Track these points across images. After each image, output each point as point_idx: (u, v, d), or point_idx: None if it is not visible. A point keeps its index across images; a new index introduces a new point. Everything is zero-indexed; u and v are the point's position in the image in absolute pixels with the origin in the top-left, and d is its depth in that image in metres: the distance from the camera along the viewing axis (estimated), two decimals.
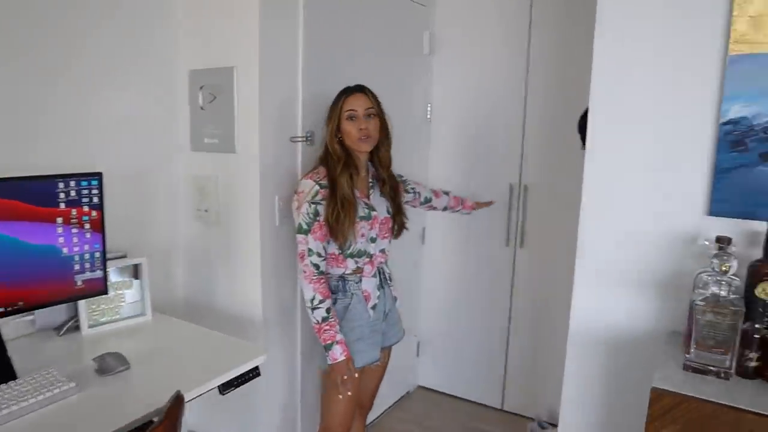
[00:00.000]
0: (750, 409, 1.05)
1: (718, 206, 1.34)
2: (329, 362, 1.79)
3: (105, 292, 1.63)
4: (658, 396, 1.12)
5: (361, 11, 2.34)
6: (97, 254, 1.60)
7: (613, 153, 1.47)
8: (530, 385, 2.86)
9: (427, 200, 2.23)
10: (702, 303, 1.16)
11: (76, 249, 1.55)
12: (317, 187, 1.79)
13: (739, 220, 1.32)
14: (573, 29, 2.54)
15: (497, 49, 2.73)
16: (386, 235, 1.95)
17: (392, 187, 1.98)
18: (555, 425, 2.59)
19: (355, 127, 1.82)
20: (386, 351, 2.05)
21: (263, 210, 1.97)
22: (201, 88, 2.03)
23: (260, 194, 1.95)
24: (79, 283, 1.57)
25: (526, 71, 2.66)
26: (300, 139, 2.08)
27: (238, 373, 1.55)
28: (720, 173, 1.33)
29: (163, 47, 2.03)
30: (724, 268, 1.16)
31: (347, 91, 1.87)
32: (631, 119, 1.43)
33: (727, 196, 1.33)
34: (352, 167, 1.86)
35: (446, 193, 2.31)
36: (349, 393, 1.84)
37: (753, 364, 1.16)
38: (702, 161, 1.36)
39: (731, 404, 1.07)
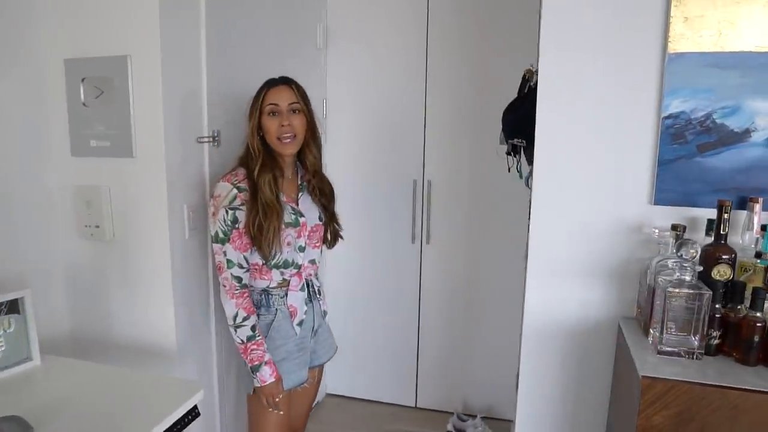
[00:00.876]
0: (734, 386, 1.13)
1: (660, 196, 1.43)
2: (257, 384, 1.61)
3: None
4: (649, 384, 1.15)
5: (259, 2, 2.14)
6: None
7: (561, 149, 1.49)
8: (443, 381, 2.89)
9: None
10: (675, 289, 1.22)
11: None
12: (235, 191, 1.59)
13: (680, 207, 1.42)
14: (472, 21, 2.57)
15: (394, 42, 2.68)
16: (317, 244, 1.79)
17: (324, 192, 1.82)
18: (474, 416, 2.65)
19: (276, 123, 1.63)
20: (317, 370, 1.90)
21: (172, 222, 1.70)
22: (82, 80, 1.69)
23: (168, 204, 1.68)
24: None
25: (425, 65, 2.65)
26: (207, 139, 1.84)
27: (177, 417, 1.32)
28: (662, 164, 1.42)
29: (26, 30, 1.66)
30: (692, 254, 1.23)
31: (270, 83, 1.67)
32: (578, 115, 1.47)
33: (669, 186, 1.42)
34: (276, 168, 1.67)
35: None
36: (281, 412, 1.68)
37: (715, 342, 1.25)
38: (646, 153, 1.43)
39: (717, 384, 1.13)
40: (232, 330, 1.60)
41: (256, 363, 1.60)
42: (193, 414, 1.38)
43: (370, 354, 2.95)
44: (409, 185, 2.76)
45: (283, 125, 1.64)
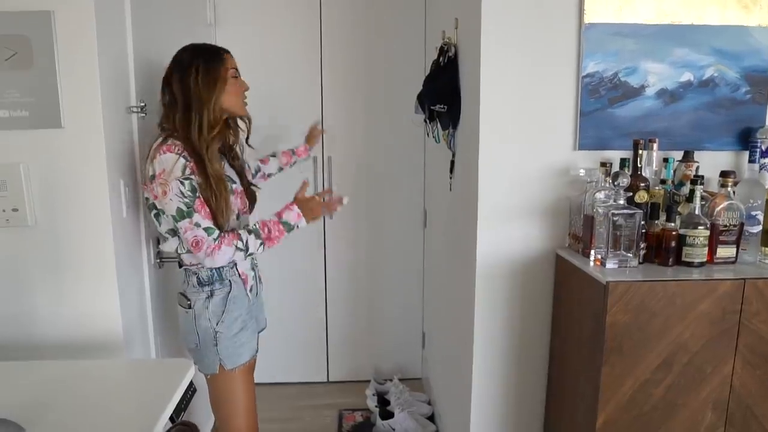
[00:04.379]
0: (669, 278, 1.44)
1: (583, 142, 1.72)
2: (303, 223, 1.66)
3: None
4: (614, 286, 1.41)
5: None
6: None
7: (500, 107, 1.70)
8: (353, 353, 2.99)
9: (258, 170, 2.06)
10: (616, 211, 1.50)
11: None
12: (183, 160, 1.52)
13: (597, 151, 1.73)
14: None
15: (287, 19, 2.71)
16: (245, 209, 1.79)
17: (238, 156, 1.82)
18: (390, 379, 2.80)
19: (242, 86, 1.66)
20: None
21: (111, 199, 1.55)
22: None
23: (108, 179, 1.53)
24: None
25: (319, 45, 2.72)
26: (136, 109, 1.70)
27: (181, 394, 1.24)
28: (583, 116, 1.70)
29: None
30: (625, 182, 1.52)
31: (221, 49, 1.65)
32: (513, 78, 1.68)
33: (588, 134, 1.71)
34: (223, 138, 1.66)
35: (273, 156, 2.13)
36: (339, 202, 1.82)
37: (643, 252, 1.57)
38: (569, 107, 1.71)
39: (657, 279, 1.44)
40: (249, 255, 1.61)
41: (286, 225, 1.62)
42: (191, 390, 1.31)
43: (279, 336, 2.91)
44: (310, 162, 2.79)
45: (246, 89, 1.66)
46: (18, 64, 1.46)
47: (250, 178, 1.95)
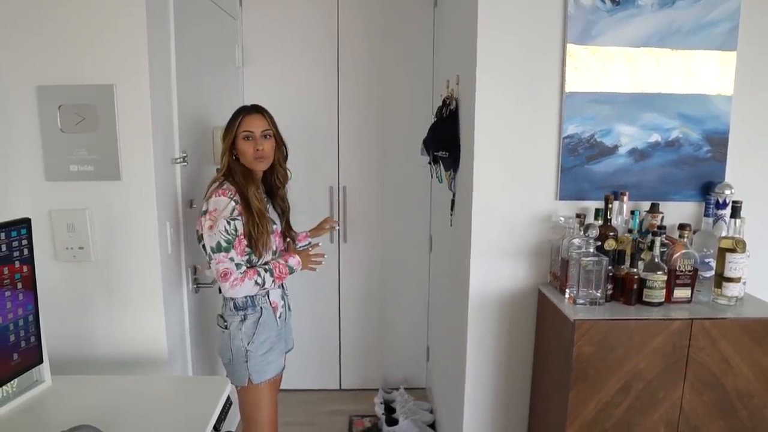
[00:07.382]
0: (628, 317, 1.70)
1: (563, 193, 1.97)
2: (300, 269, 2.02)
3: (41, 361, 1.36)
4: (580, 324, 1.67)
5: (200, 24, 2.30)
6: (31, 318, 1.32)
7: (492, 161, 1.96)
8: (364, 363, 3.27)
9: None
10: (585, 259, 1.76)
11: (10, 316, 1.27)
12: (233, 203, 1.82)
13: (575, 201, 1.98)
14: (379, 39, 2.99)
15: (307, 60, 2.99)
16: (282, 247, 2.07)
17: (286, 203, 2.10)
18: (397, 389, 3.07)
19: (251, 147, 1.90)
20: (284, 357, 2.17)
21: (161, 239, 1.85)
22: (59, 107, 1.74)
23: (158, 222, 1.82)
24: (15, 357, 1.28)
25: (336, 84, 3.00)
26: (180, 160, 1.99)
27: (220, 408, 1.52)
28: (563, 171, 1.96)
29: None
30: (595, 233, 1.78)
31: (244, 111, 1.92)
32: (505, 138, 1.95)
33: (567, 186, 1.97)
34: (255, 181, 1.93)
35: None
36: (325, 256, 2.16)
37: (610, 292, 1.82)
38: (552, 163, 1.96)
39: (619, 318, 1.69)
40: (264, 290, 1.91)
41: (287, 268, 1.97)
42: (228, 403, 1.59)
43: (299, 348, 3.16)
44: (327, 191, 3.08)
45: (258, 149, 1.90)
46: (86, 128, 1.76)
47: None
